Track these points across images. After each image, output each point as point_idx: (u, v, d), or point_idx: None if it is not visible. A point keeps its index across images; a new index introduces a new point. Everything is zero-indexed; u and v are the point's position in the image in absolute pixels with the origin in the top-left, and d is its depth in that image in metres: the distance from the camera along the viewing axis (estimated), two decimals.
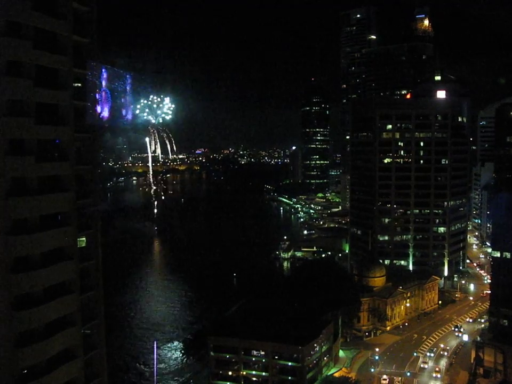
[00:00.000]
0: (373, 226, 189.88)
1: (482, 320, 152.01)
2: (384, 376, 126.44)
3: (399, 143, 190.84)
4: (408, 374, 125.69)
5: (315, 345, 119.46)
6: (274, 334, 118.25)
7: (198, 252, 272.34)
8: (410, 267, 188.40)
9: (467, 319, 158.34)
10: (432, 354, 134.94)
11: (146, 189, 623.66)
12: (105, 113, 56.97)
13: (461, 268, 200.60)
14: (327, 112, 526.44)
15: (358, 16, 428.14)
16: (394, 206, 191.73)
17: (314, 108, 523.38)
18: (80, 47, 56.49)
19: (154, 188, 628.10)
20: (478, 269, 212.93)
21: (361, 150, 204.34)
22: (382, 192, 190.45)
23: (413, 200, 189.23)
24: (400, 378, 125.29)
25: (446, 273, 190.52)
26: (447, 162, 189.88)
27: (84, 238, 58.91)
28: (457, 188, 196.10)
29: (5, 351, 48.86)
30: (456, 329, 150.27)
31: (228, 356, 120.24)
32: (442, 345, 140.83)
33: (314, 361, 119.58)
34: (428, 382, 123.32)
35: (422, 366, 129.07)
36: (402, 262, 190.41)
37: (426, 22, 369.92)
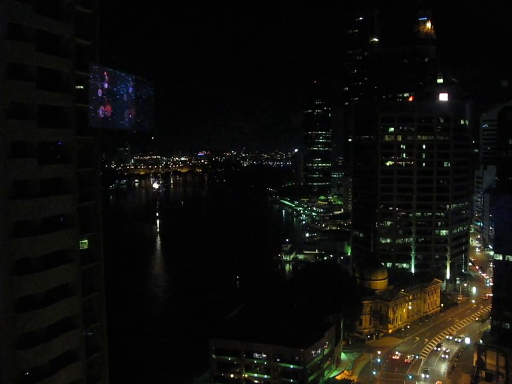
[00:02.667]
0: (375, 229, 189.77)
1: (460, 340, 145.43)
2: (397, 352, 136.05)
3: (401, 146, 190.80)
4: (410, 377, 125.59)
5: (317, 347, 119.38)
6: (276, 337, 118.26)
7: (200, 254, 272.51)
8: (412, 270, 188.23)
9: (446, 336, 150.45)
10: (428, 376, 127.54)
11: (148, 191, 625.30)
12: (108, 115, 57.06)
13: (463, 270, 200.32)
14: (329, 114, 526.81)
15: (361, 18, 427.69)
16: (396, 208, 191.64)
17: (316, 111, 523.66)
18: (83, 49, 56.56)
19: (156, 190, 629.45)
20: (480, 272, 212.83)
21: (363, 153, 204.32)
22: (384, 194, 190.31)
23: (415, 203, 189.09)
24: (411, 355, 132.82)
25: (448, 276, 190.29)
26: (449, 165, 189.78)
27: (86, 240, 58.90)
28: (459, 191, 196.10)
29: (7, 353, 48.84)
30: (439, 349, 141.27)
31: (229, 359, 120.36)
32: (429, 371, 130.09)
33: (316, 364, 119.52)
34: None
35: None
36: (404, 265, 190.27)
37: (428, 25, 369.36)
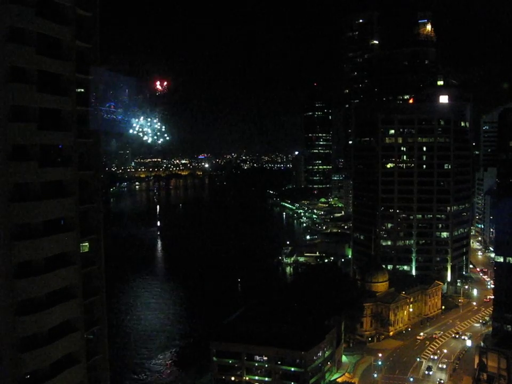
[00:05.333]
0: (376, 232, 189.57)
1: (445, 366, 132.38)
2: (421, 334, 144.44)
3: (402, 148, 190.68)
4: (411, 379, 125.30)
5: (318, 350, 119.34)
6: (277, 339, 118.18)
7: (202, 257, 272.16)
8: (413, 272, 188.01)
9: (430, 355, 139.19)
10: None
11: (149, 194, 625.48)
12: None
13: (464, 273, 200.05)
14: (330, 117, 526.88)
15: (361, 21, 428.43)
16: (397, 211, 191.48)
17: (317, 113, 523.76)
18: (83, 52, 56.68)
19: (157, 193, 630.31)
20: (481, 274, 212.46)
21: (364, 155, 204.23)
22: (384, 197, 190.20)
23: (415, 205, 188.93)
24: (440, 333, 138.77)
25: (449, 278, 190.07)
26: (449, 167, 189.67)
27: (87, 243, 58.97)
28: (460, 193, 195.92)
29: (8, 356, 48.88)
30: (431, 373, 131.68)
31: (230, 361, 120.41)
32: None
33: (317, 367, 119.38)
34: None
35: None
36: (405, 267, 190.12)
37: (428, 27, 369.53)
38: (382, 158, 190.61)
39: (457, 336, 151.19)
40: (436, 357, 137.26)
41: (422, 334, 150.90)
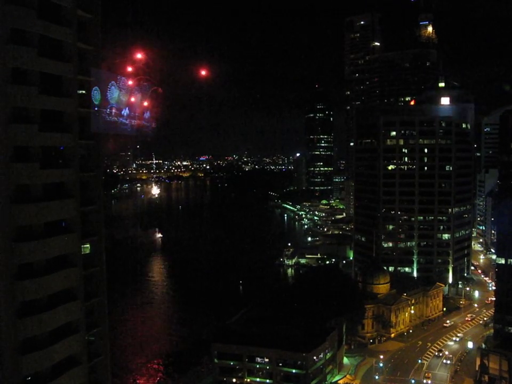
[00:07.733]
0: (377, 233, 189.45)
1: None
2: (448, 321, 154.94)
3: (403, 150, 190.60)
4: (413, 381, 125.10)
5: (319, 352, 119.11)
6: (278, 341, 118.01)
7: (203, 259, 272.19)
8: (415, 274, 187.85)
9: (423, 380, 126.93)
10: None
11: (150, 196, 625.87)
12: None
13: (465, 274, 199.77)
14: (331, 118, 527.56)
15: (362, 23, 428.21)
16: (399, 212, 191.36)
17: (318, 115, 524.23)
18: (85, 54, 56.74)
19: (159, 194, 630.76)
20: (482, 276, 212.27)
21: (365, 157, 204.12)
22: (386, 198, 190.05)
23: (417, 207, 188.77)
24: (470, 315, 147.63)
25: (450, 280, 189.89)
26: (451, 168, 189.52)
27: (88, 245, 58.95)
28: (461, 195, 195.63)
29: (9, 357, 48.87)
30: None
31: (232, 363, 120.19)
32: None
33: (319, 368, 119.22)
34: None
35: None
36: (407, 269, 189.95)
37: (430, 29, 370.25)
38: (383, 159, 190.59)
39: (440, 354, 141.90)
40: (429, 381, 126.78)
41: (448, 321, 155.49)
